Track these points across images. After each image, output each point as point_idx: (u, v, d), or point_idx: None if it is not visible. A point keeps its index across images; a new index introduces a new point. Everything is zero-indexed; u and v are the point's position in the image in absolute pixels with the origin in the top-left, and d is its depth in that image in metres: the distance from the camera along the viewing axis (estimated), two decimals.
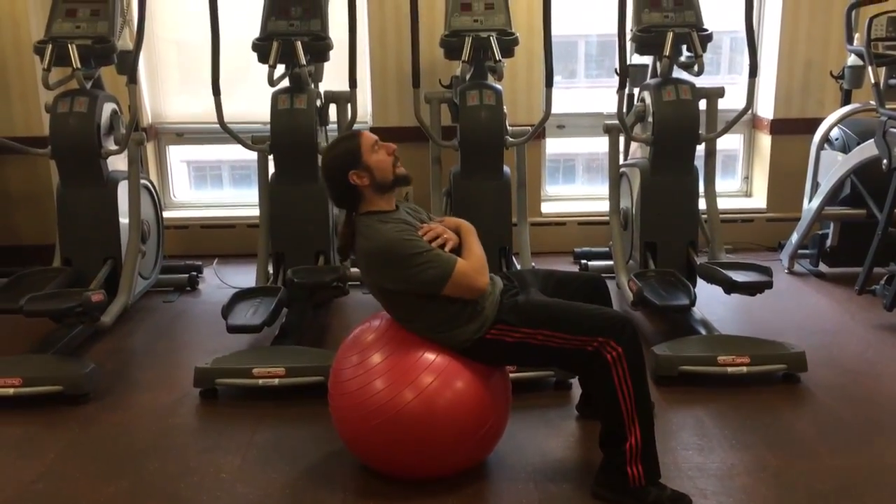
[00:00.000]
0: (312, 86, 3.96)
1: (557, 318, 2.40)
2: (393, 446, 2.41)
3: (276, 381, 3.09)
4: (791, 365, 3.18)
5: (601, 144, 4.19)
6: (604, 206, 4.22)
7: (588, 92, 5.42)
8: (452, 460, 2.49)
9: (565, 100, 5.05)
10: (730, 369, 3.14)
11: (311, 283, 3.54)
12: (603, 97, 4.97)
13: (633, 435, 2.33)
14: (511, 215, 4.08)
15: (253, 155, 4.10)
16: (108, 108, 3.86)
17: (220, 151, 5.28)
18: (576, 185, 5.40)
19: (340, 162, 2.47)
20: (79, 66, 3.67)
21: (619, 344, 2.32)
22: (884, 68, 4.06)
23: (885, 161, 3.63)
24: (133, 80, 3.70)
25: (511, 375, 2.68)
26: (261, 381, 3.09)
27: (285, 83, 3.91)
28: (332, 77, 4.25)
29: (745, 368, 3.14)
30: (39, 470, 2.64)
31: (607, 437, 2.39)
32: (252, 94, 4.74)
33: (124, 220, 3.91)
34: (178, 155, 5.23)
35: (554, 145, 5.16)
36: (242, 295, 3.61)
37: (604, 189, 4.28)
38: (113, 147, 3.84)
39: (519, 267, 3.96)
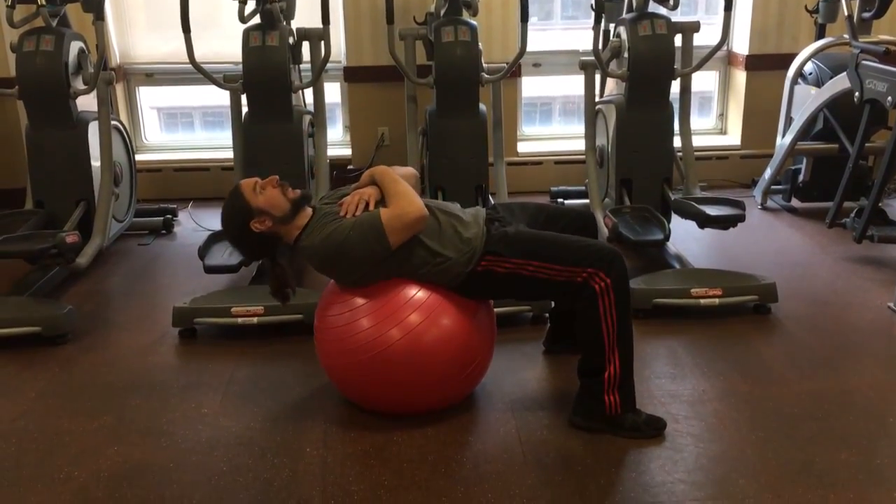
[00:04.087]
0: (284, 23, 3.90)
1: (547, 250, 2.42)
2: (379, 383, 2.43)
3: (255, 319, 3.10)
4: (762, 296, 3.25)
5: (577, 86, 4.17)
6: (580, 146, 4.22)
7: (564, 33, 5.37)
8: (438, 397, 2.52)
9: (542, 40, 5.01)
10: (702, 301, 3.20)
11: None
12: (579, 37, 4.94)
13: (613, 364, 2.38)
14: (487, 154, 4.08)
15: (224, 99, 4.04)
16: (75, 46, 3.77)
17: (190, 97, 5.19)
18: (552, 126, 5.39)
19: (236, 221, 2.47)
20: (44, 2, 3.59)
21: (607, 275, 2.34)
22: (857, 1, 4.06)
23: (856, 94, 3.65)
24: (100, 17, 3.61)
25: None
26: (240, 320, 3.10)
27: (256, 20, 3.84)
28: (305, 14, 4.18)
29: (717, 300, 3.20)
30: (21, 408, 2.65)
31: (587, 367, 2.44)
32: (222, 35, 4.66)
33: (96, 162, 3.87)
34: (147, 100, 5.14)
35: (530, 87, 5.13)
36: (219, 236, 3.59)
37: (580, 128, 4.28)
38: (81, 87, 3.77)
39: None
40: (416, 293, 2.41)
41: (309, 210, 2.52)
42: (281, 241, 2.51)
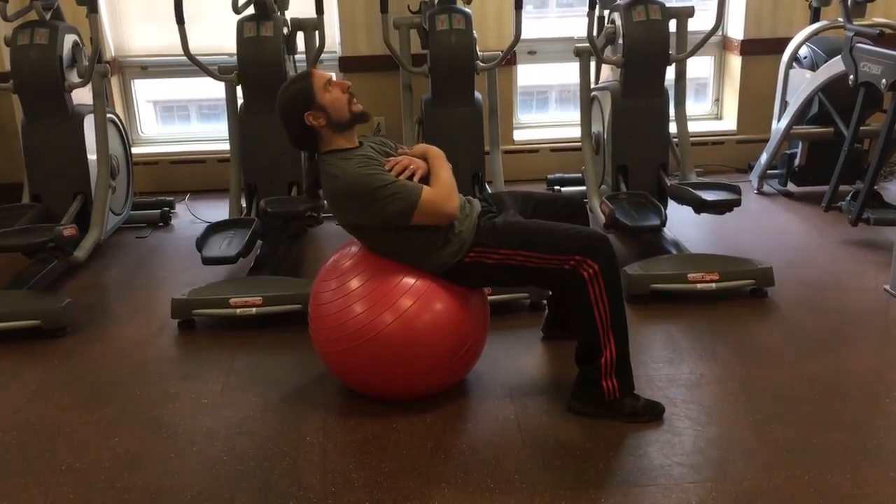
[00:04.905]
0: (278, 13, 3.89)
1: (535, 239, 2.43)
2: (373, 367, 2.45)
3: (254, 310, 3.11)
4: (759, 280, 3.26)
5: (573, 75, 4.16)
6: (576, 133, 4.22)
7: (559, 20, 5.36)
8: (432, 380, 2.54)
9: (537, 28, 5.00)
10: (699, 286, 3.20)
11: (285, 213, 3.53)
12: (574, 24, 4.93)
13: (608, 350, 2.39)
14: (483, 142, 4.08)
15: (220, 91, 4.04)
16: (69, 39, 3.77)
17: (186, 90, 5.17)
18: (548, 114, 5.38)
19: (294, 103, 2.45)
20: None
21: (595, 261, 2.35)
22: None
23: (851, 77, 3.65)
24: (94, 9, 3.61)
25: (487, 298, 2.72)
26: (238, 311, 3.11)
27: (250, 11, 3.83)
28: (299, 4, 4.17)
29: (714, 285, 3.21)
30: (21, 400, 2.66)
31: (583, 353, 2.45)
32: (217, 26, 4.65)
33: (92, 155, 3.87)
34: (143, 93, 5.13)
35: (526, 75, 5.12)
36: (216, 227, 3.61)
37: (576, 115, 4.28)
38: (76, 80, 3.77)
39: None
40: (408, 278, 2.42)
41: (356, 139, 2.52)
42: (318, 143, 2.49)
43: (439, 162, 2.51)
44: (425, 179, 2.46)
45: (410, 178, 2.43)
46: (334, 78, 2.50)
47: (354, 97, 2.49)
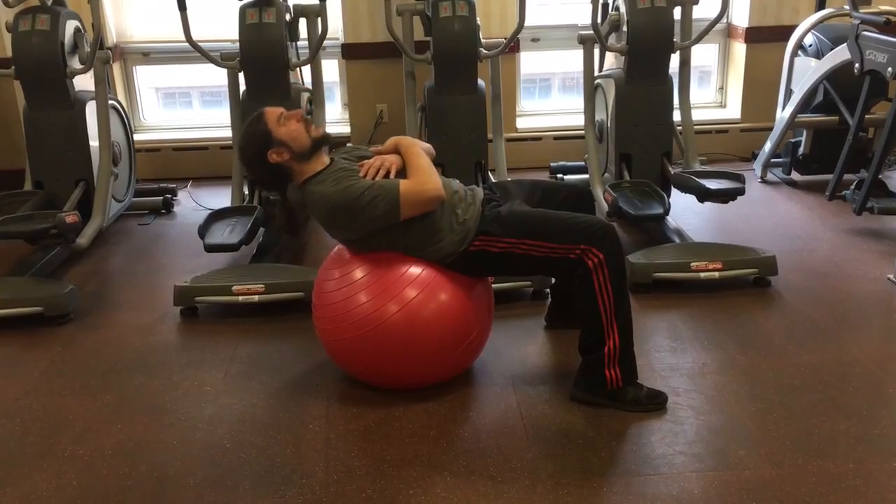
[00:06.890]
0: None
1: (540, 228, 2.42)
2: (377, 357, 2.45)
3: (256, 297, 3.11)
4: (762, 269, 3.25)
5: (577, 62, 4.14)
6: (579, 121, 4.20)
7: (563, 7, 5.32)
8: (436, 371, 2.54)
9: (540, 14, 4.97)
10: (702, 275, 3.20)
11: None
12: (578, 12, 4.90)
13: (612, 339, 2.39)
14: (486, 130, 4.06)
15: (222, 78, 4.02)
16: (70, 25, 3.76)
17: (188, 76, 5.16)
18: (551, 101, 5.36)
19: (255, 147, 2.45)
20: None
21: (600, 251, 2.35)
22: None
23: (857, 65, 3.63)
24: None
25: None
26: (241, 298, 3.11)
27: None
28: None
29: (717, 274, 3.20)
30: (24, 387, 2.67)
31: (586, 342, 2.45)
32: (219, 13, 4.63)
33: (94, 142, 3.86)
34: (146, 80, 5.12)
35: (529, 62, 5.10)
36: (218, 214, 3.60)
37: (579, 103, 4.26)
38: (78, 66, 3.76)
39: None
40: (413, 268, 2.42)
41: (326, 158, 2.51)
42: (291, 178, 2.49)
43: (412, 150, 2.51)
44: (404, 172, 2.45)
45: (387, 175, 2.43)
46: (284, 109, 2.48)
47: (310, 123, 2.48)
